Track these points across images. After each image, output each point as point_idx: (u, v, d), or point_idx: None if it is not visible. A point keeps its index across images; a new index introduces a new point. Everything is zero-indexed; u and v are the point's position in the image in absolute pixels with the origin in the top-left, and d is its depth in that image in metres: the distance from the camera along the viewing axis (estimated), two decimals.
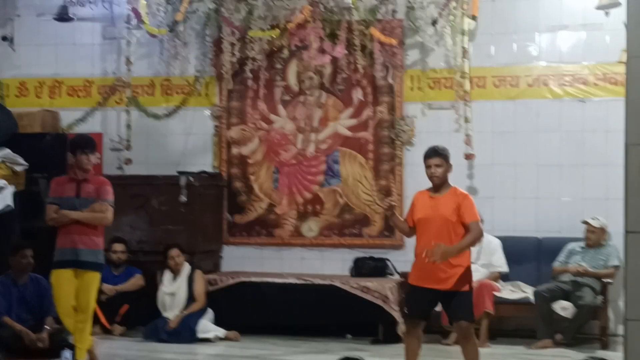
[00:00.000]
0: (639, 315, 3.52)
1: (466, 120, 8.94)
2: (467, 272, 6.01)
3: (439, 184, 6.09)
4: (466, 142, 8.90)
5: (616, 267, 8.27)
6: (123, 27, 9.78)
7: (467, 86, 8.94)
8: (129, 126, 9.85)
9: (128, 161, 9.83)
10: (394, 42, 9.00)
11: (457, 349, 8.00)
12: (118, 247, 9.00)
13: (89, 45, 10.06)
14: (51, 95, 10.19)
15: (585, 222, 8.39)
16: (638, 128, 3.57)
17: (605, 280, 8.18)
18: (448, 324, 7.88)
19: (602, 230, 8.39)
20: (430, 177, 6.09)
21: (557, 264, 8.44)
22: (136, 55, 9.81)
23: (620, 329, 8.48)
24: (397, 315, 8.32)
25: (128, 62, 9.79)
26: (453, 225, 5.97)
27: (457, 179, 8.74)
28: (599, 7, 8.44)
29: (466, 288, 5.99)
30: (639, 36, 3.59)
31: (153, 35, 9.59)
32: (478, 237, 6.01)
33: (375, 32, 8.98)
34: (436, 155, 6.09)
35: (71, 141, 7.27)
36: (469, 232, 5.95)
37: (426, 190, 6.17)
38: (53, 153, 9.26)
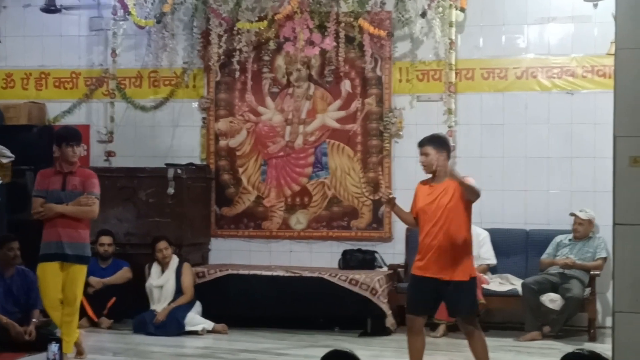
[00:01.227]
0: (627, 307, 3.52)
1: (450, 112, 8.93)
2: (469, 263, 5.98)
3: (432, 173, 6.05)
4: (449, 134, 8.89)
5: (604, 259, 8.28)
6: (110, 19, 9.73)
7: (453, 78, 8.93)
8: (112, 118, 9.80)
9: (111, 153, 9.77)
10: (383, 33, 8.97)
11: (445, 341, 8.06)
12: (105, 239, 8.97)
13: (76, 36, 10.00)
14: (37, 87, 10.13)
15: (573, 215, 8.40)
16: (626, 120, 3.56)
17: (593, 272, 8.19)
18: (437, 317, 7.91)
19: (590, 223, 8.41)
20: (422, 166, 6.10)
21: (545, 257, 8.45)
22: (123, 46, 9.77)
23: (608, 321, 8.50)
24: (385, 307, 8.31)
25: (114, 53, 9.73)
26: (454, 211, 5.92)
27: None
28: (588, 0, 8.43)
29: (466, 278, 5.92)
30: (627, 28, 3.58)
31: (140, 27, 9.56)
32: (478, 189, 5.97)
33: (364, 23, 8.95)
34: (422, 144, 6.08)
35: (56, 133, 7.24)
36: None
37: (428, 179, 6.13)
38: (39, 145, 9.20)
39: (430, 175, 6.10)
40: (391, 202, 6.24)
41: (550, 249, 8.47)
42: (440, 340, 8.04)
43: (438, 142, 6.08)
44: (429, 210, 6.00)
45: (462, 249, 5.95)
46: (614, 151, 3.58)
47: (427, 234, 6.01)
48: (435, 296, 6.03)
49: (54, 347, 5.49)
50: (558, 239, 8.49)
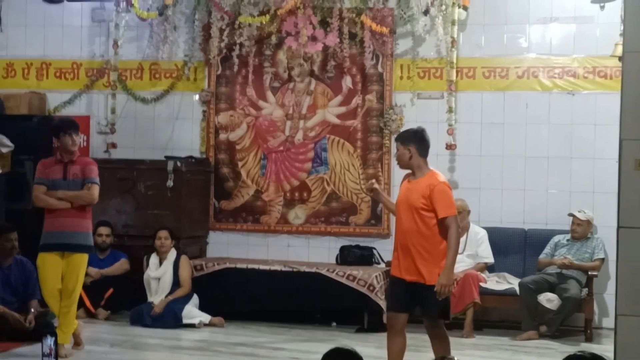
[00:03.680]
0: (630, 310, 3.53)
1: (450, 110, 8.93)
2: (439, 264, 5.72)
3: (407, 169, 5.94)
4: (449, 132, 8.89)
5: (601, 260, 8.30)
6: (112, 10, 9.71)
7: (453, 76, 8.93)
8: (113, 110, 9.79)
9: (112, 145, 9.77)
10: (385, 30, 8.97)
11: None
12: (103, 230, 8.96)
13: (78, 27, 9.98)
14: (38, 77, 10.11)
15: (572, 215, 8.42)
16: (633, 123, 3.57)
17: (590, 273, 8.21)
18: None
19: (588, 223, 8.42)
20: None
21: (542, 256, 8.46)
22: (125, 38, 9.74)
23: (605, 322, 8.54)
24: (382, 304, 8.32)
25: (116, 45, 9.72)
26: (419, 213, 5.72)
27: (443, 169, 8.86)
28: (594, 1, 8.44)
29: (434, 281, 5.68)
30: (635, 32, 3.59)
31: (142, 19, 9.55)
32: (457, 240, 5.72)
33: (366, 19, 8.95)
34: (395, 140, 6.03)
35: (53, 125, 7.31)
36: (448, 239, 5.67)
37: (408, 174, 6.01)
38: (39, 135, 9.17)
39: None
40: (374, 191, 6.14)
41: (548, 249, 8.49)
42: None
43: (404, 138, 5.93)
44: (400, 207, 5.87)
45: (429, 250, 5.72)
46: (620, 154, 3.59)
47: (397, 231, 5.92)
48: (410, 295, 5.82)
49: (49, 341, 5.48)
50: (556, 238, 8.50)
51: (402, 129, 8.97)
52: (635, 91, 3.58)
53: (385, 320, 8.18)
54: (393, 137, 9.08)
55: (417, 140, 5.91)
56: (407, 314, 5.91)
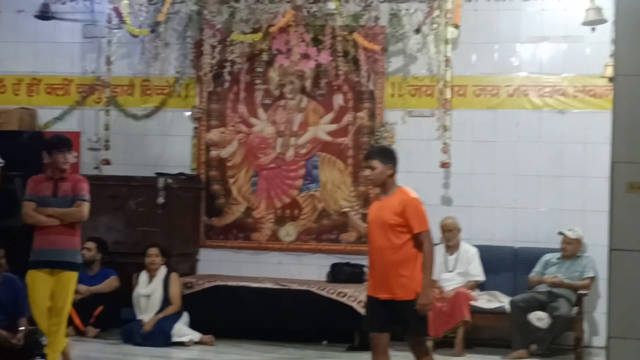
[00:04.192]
0: (622, 332, 3.54)
1: (445, 128, 8.95)
2: (414, 280, 5.72)
3: (378, 186, 5.95)
4: (444, 150, 8.91)
5: (592, 279, 8.32)
6: (104, 26, 9.72)
7: (448, 94, 8.96)
8: (107, 126, 9.78)
9: (106, 161, 9.76)
10: (376, 48, 9.00)
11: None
12: (90, 244, 8.90)
13: (69, 43, 9.97)
14: (29, 93, 10.09)
15: (562, 234, 8.43)
16: (624, 146, 3.58)
17: (580, 291, 8.22)
18: None
19: (578, 242, 8.43)
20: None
21: (533, 275, 8.47)
22: (116, 54, 9.74)
23: (595, 341, 8.55)
24: None
25: (108, 61, 9.72)
26: (392, 229, 5.73)
27: (434, 187, 8.91)
28: (585, 23, 8.48)
29: (412, 296, 5.70)
30: (626, 55, 3.61)
31: (134, 35, 9.55)
32: (432, 255, 5.76)
33: (358, 37, 8.97)
34: (368, 157, 5.97)
35: (46, 141, 7.25)
36: (423, 255, 5.72)
37: (378, 194, 6.04)
38: (30, 151, 9.11)
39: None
40: (345, 215, 6.13)
41: (538, 267, 8.49)
42: None
43: (376, 155, 5.91)
44: (372, 226, 5.87)
45: (403, 265, 5.72)
46: (611, 177, 3.60)
47: (370, 250, 5.91)
48: (387, 313, 5.80)
49: None
50: (547, 257, 8.51)
51: (394, 147, 9.04)
52: (627, 114, 3.60)
53: None
54: None
55: (394, 158, 5.95)
56: (389, 334, 5.89)
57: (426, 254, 5.72)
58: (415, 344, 5.92)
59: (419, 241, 5.74)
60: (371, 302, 5.94)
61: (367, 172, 5.93)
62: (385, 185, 5.88)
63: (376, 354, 5.88)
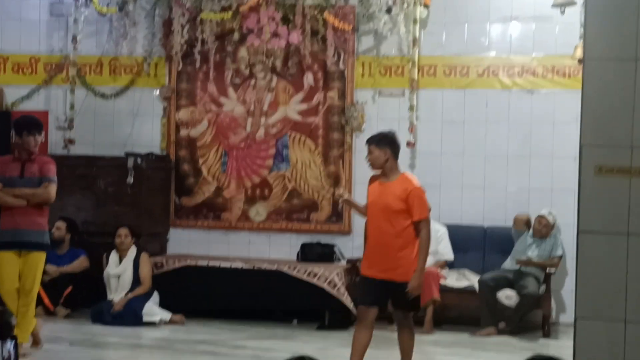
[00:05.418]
0: (589, 313, 3.59)
1: (411, 108, 8.97)
2: (413, 262, 5.99)
3: (379, 170, 6.14)
4: (410, 130, 8.93)
5: (560, 258, 8.40)
6: (71, 4, 9.61)
7: (415, 75, 8.97)
8: (72, 105, 9.69)
9: (70, 141, 9.68)
10: (347, 27, 8.98)
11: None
12: (60, 224, 8.86)
13: (36, 21, 9.86)
14: None
15: (542, 217, 8.41)
16: (593, 129, 3.61)
17: (548, 270, 8.30)
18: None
19: (553, 224, 8.48)
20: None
21: (518, 256, 8.44)
22: (84, 33, 9.65)
23: (562, 318, 8.66)
24: (344, 300, 8.33)
25: (75, 40, 9.62)
26: (395, 214, 5.98)
27: (402, 167, 8.90)
28: (555, 5, 8.49)
29: (408, 279, 5.95)
30: (596, 39, 3.63)
31: (102, 14, 9.46)
32: (428, 242, 6.06)
33: (329, 17, 8.95)
34: (368, 142, 6.19)
35: (16, 122, 7.19)
36: (420, 241, 5.98)
37: (378, 175, 6.19)
38: None
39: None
40: (346, 202, 6.55)
41: (520, 247, 8.46)
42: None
43: (378, 140, 6.13)
44: (374, 207, 6.09)
45: (403, 249, 5.97)
46: (580, 160, 3.64)
47: (370, 233, 6.16)
48: (381, 291, 6.03)
49: (8, 345, 5.40)
50: (522, 237, 8.50)
51: (364, 126, 9.09)
52: (596, 97, 3.63)
53: (350, 316, 8.30)
54: (355, 135, 9.15)
55: (392, 143, 6.15)
56: (377, 309, 6.09)
57: (423, 240, 6.01)
58: (401, 319, 6.17)
59: (418, 228, 5.99)
60: (366, 280, 6.14)
61: (367, 157, 6.18)
62: (385, 169, 6.10)
63: (361, 327, 6.06)
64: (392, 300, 6.16)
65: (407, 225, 5.98)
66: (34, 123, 7.01)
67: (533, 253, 8.38)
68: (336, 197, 6.47)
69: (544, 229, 8.42)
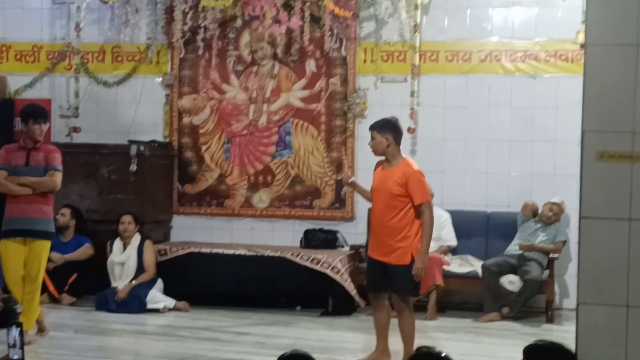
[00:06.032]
0: (592, 299, 3.61)
1: (412, 94, 8.97)
2: (410, 246, 6.14)
3: (380, 155, 6.30)
4: (411, 116, 8.93)
5: (563, 243, 8.41)
6: None
7: (416, 60, 8.96)
8: (76, 94, 9.70)
9: (74, 129, 9.69)
10: (348, 14, 8.96)
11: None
12: (65, 210, 8.89)
13: (38, 9, 9.85)
14: None
15: (554, 203, 8.39)
16: (595, 115, 3.62)
17: (552, 255, 8.31)
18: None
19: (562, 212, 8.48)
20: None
21: (521, 241, 8.43)
22: (86, 20, 9.63)
23: (565, 303, 8.67)
24: (350, 287, 8.35)
25: (77, 27, 9.61)
26: (395, 199, 6.12)
27: (403, 152, 8.91)
28: None
29: (406, 261, 6.12)
30: (598, 24, 3.63)
31: (104, 1, 9.44)
32: (431, 224, 6.17)
33: (329, 3, 8.93)
34: (370, 128, 6.34)
35: (23, 110, 7.22)
36: (422, 224, 6.12)
37: (382, 161, 6.35)
38: (1, 118, 9.09)
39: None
40: (351, 185, 6.65)
41: (525, 233, 8.45)
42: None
43: (379, 127, 6.27)
44: (377, 193, 6.26)
45: (403, 232, 6.12)
46: (582, 146, 3.64)
47: (373, 216, 6.39)
48: (385, 274, 6.24)
49: (14, 332, 5.43)
50: (527, 223, 8.51)
51: (366, 113, 9.09)
52: (597, 83, 3.63)
53: (353, 302, 8.36)
54: (357, 121, 9.15)
55: (393, 129, 6.29)
56: (386, 291, 6.32)
57: (425, 223, 6.15)
58: (398, 302, 6.28)
59: (420, 211, 6.12)
60: (370, 262, 6.40)
61: (370, 143, 6.33)
62: (387, 154, 6.26)
63: (376, 310, 6.38)
64: (390, 284, 6.28)
65: (407, 210, 6.12)
66: (41, 111, 7.05)
67: (539, 239, 8.38)
68: (343, 180, 6.56)
69: (554, 217, 8.41)
